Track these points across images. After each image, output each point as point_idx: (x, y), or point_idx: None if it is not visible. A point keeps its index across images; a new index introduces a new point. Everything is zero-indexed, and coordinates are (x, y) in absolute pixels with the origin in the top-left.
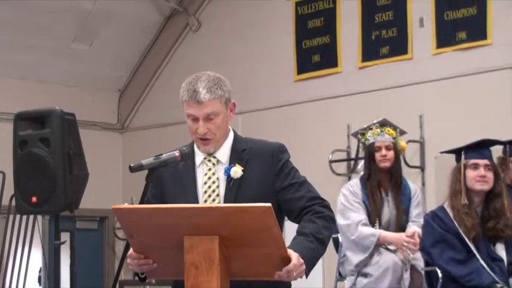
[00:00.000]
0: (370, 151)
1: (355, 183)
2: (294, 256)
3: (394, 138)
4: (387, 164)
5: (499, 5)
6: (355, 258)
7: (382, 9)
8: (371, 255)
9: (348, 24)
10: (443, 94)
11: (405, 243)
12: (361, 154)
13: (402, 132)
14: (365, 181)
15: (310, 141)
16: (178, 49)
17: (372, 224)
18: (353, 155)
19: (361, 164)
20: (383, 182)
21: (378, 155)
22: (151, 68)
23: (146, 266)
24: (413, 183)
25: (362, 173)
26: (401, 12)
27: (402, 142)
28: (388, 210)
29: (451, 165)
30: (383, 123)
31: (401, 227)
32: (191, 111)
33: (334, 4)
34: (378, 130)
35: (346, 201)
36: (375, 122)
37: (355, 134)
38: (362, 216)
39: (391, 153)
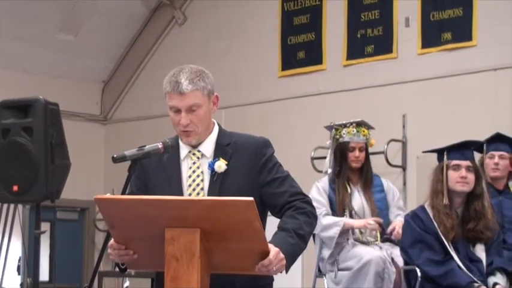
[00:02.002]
0: (343, 149)
1: (323, 180)
2: (273, 251)
3: (367, 138)
4: (359, 165)
5: (484, 6)
6: (325, 251)
7: (368, 7)
8: (342, 247)
9: (334, 22)
10: (427, 94)
11: (368, 225)
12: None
13: (370, 127)
14: (334, 177)
15: (292, 138)
16: (164, 42)
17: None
18: None
19: (327, 159)
20: (353, 178)
21: (351, 155)
22: (135, 60)
23: (127, 256)
24: (384, 179)
25: (330, 170)
26: (387, 12)
27: (372, 140)
28: (360, 204)
29: (433, 165)
30: (359, 123)
31: (376, 215)
32: (173, 103)
33: (320, 1)
34: (354, 130)
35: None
36: (352, 121)
37: (329, 128)
38: (322, 209)
39: (363, 155)
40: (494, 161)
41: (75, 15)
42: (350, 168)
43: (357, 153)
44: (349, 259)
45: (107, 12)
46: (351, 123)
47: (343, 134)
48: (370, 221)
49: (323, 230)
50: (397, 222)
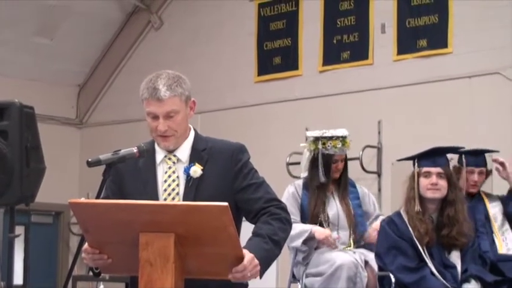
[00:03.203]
0: (328, 162)
1: (298, 185)
2: (247, 256)
3: (348, 149)
4: (338, 175)
5: (460, 14)
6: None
7: (344, 13)
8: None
9: (310, 28)
10: (403, 101)
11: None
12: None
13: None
14: (311, 185)
15: (268, 143)
16: (140, 47)
17: (319, 223)
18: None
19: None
20: (330, 185)
21: (333, 166)
22: (111, 64)
23: (101, 261)
24: (358, 185)
25: (305, 174)
26: (363, 18)
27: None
28: (335, 212)
29: (408, 171)
30: (344, 136)
31: (352, 225)
32: (151, 109)
33: (297, 7)
34: (340, 144)
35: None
36: (339, 135)
37: (315, 139)
38: (295, 217)
39: (342, 164)
40: (474, 179)
41: (51, 19)
42: (330, 178)
43: (339, 165)
44: (321, 264)
45: (83, 16)
46: (337, 137)
47: (328, 146)
48: (331, 237)
49: (290, 240)
50: (373, 227)
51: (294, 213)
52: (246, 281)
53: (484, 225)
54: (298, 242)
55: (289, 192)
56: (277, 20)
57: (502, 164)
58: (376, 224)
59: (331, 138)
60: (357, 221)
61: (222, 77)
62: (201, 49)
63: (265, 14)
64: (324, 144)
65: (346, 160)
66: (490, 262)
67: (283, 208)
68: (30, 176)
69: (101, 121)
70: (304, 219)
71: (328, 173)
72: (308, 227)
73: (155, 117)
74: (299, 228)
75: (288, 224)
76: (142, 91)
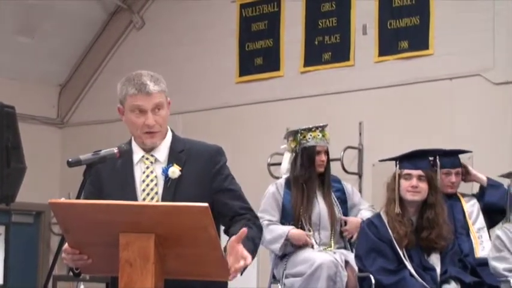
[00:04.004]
0: (311, 154)
1: (279, 184)
2: (248, 257)
3: (328, 142)
4: (323, 169)
5: (441, 16)
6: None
7: (326, 15)
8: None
9: (292, 29)
10: (384, 102)
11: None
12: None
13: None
14: (295, 182)
15: (249, 144)
16: (121, 46)
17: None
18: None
19: (284, 164)
20: (315, 182)
21: (317, 159)
22: (93, 64)
23: (81, 261)
24: (344, 182)
25: (286, 175)
26: (345, 19)
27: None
28: (317, 211)
29: (389, 172)
30: (323, 127)
31: (335, 221)
32: (139, 103)
33: (278, 8)
34: (320, 134)
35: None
36: (317, 125)
37: (291, 133)
38: (273, 218)
39: (326, 158)
40: (452, 180)
41: (32, 18)
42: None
43: (322, 156)
44: (301, 264)
45: (65, 16)
46: (316, 127)
47: (309, 138)
48: (308, 237)
49: (268, 243)
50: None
51: (273, 214)
52: (226, 281)
53: (463, 226)
54: (276, 247)
55: (269, 192)
56: (258, 21)
57: (465, 167)
58: (357, 220)
59: (310, 129)
60: (338, 219)
61: (204, 77)
62: (182, 49)
63: (247, 14)
64: (304, 136)
65: (328, 155)
66: (471, 267)
67: (258, 218)
68: (11, 175)
69: (82, 121)
70: (285, 218)
71: (312, 166)
72: (284, 230)
73: (142, 111)
74: (277, 232)
75: (261, 232)
76: (126, 89)
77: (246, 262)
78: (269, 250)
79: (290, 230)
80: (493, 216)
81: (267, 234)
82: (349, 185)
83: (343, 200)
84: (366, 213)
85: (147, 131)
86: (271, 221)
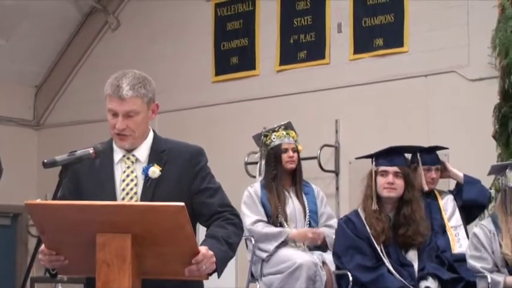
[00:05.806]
0: (277, 152)
1: (256, 185)
2: (203, 248)
3: (295, 141)
4: (293, 166)
5: (416, 13)
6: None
7: (301, 13)
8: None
9: (267, 28)
10: (360, 100)
11: (310, 235)
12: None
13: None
14: (268, 182)
15: (226, 143)
16: (97, 47)
17: (277, 223)
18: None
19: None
20: (286, 182)
21: (285, 156)
22: (69, 65)
23: (57, 262)
24: (314, 185)
25: (260, 178)
26: (320, 17)
27: (299, 145)
28: (292, 208)
29: (365, 170)
30: (287, 126)
31: (307, 223)
32: (112, 106)
33: (253, 7)
34: (284, 132)
35: (245, 203)
36: (280, 124)
37: (257, 136)
38: (254, 217)
39: (296, 155)
40: (432, 176)
41: (7, 20)
42: (284, 170)
43: (290, 153)
44: (281, 262)
45: (40, 17)
46: (279, 127)
47: (273, 138)
48: (310, 234)
49: (264, 241)
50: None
51: (261, 214)
52: (202, 281)
53: (440, 224)
54: (271, 246)
55: (249, 196)
56: (234, 20)
57: (443, 164)
58: (321, 231)
59: (274, 130)
60: (310, 217)
61: (179, 77)
62: (158, 49)
63: (222, 14)
64: (268, 138)
65: (298, 154)
66: (448, 262)
67: (237, 215)
68: None
69: (58, 122)
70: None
71: (279, 163)
72: (281, 231)
73: (115, 114)
74: (276, 230)
75: (241, 229)
76: (106, 87)
77: (204, 254)
78: (255, 249)
79: (288, 232)
80: (470, 212)
81: (262, 235)
82: (320, 191)
83: (313, 202)
84: (328, 231)
85: (118, 133)
86: (262, 220)
